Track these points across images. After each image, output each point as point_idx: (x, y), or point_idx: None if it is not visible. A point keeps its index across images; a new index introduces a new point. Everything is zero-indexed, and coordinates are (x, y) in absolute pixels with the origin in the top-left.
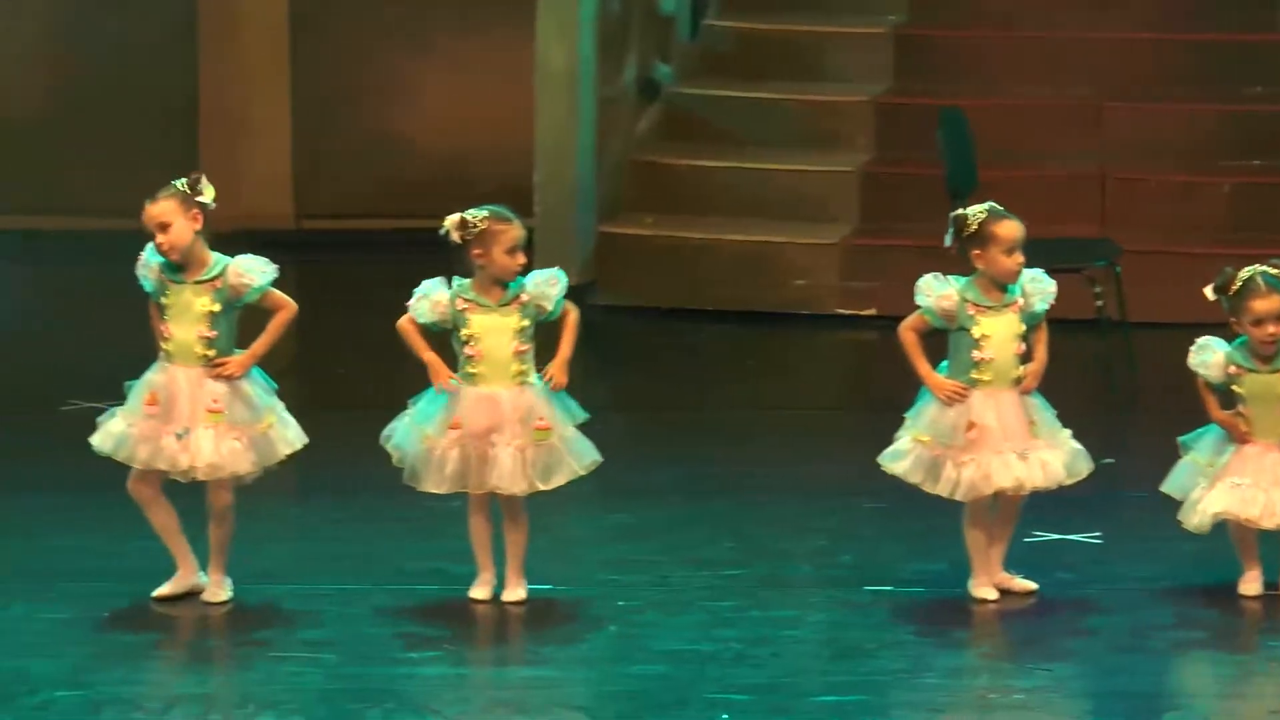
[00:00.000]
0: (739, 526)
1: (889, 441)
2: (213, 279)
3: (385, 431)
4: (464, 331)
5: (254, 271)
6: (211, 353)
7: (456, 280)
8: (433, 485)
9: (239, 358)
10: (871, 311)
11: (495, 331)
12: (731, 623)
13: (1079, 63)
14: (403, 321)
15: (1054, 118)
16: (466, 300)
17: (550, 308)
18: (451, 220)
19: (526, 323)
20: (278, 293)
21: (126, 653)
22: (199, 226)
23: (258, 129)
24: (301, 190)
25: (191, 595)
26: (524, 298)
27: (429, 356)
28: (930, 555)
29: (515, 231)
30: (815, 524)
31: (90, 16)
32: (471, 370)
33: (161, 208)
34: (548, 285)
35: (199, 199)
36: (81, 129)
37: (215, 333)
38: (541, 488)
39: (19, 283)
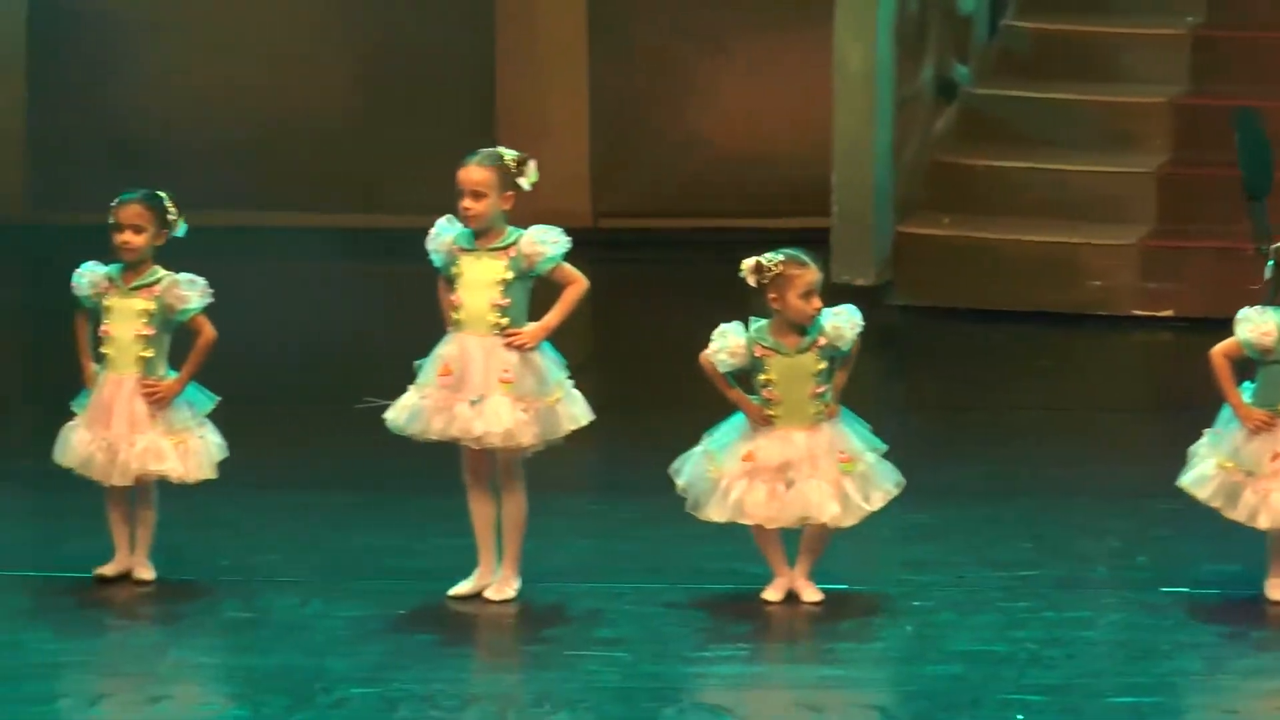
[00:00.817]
0: (1035, 527)
1: (1185, 443)
2: (506, 247)
3: (675, 464)
4: (762, 376)
5: (547, 242)
6: (504, 321)
7: (754, 323)
8: (715, 514)
9: (533, 328)
10: (1169, 313)
11: (793, 377)
12: (1026, 623)
13: None
14: (703, 359)
15: None
16: (765, 347)
17: (845, 348)
18: (747, 265)
19: (824, 365)
20: (570, 266)
21: (422, 651)
22: (508, 208)
23: (556, 129)
24: (599, 189)
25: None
26: (821, 341)
27: (735, 395)
28: (1226, 556)
29: (810, 275)
30: (1110, 525)
31: (391, 22)
32: (770, 411)
33: (483, 177)
34: (848, 328)
35: (519, 180)
36: (384, 131)
37: (508, 300)
38: (867, 510)
39: (324, 281)
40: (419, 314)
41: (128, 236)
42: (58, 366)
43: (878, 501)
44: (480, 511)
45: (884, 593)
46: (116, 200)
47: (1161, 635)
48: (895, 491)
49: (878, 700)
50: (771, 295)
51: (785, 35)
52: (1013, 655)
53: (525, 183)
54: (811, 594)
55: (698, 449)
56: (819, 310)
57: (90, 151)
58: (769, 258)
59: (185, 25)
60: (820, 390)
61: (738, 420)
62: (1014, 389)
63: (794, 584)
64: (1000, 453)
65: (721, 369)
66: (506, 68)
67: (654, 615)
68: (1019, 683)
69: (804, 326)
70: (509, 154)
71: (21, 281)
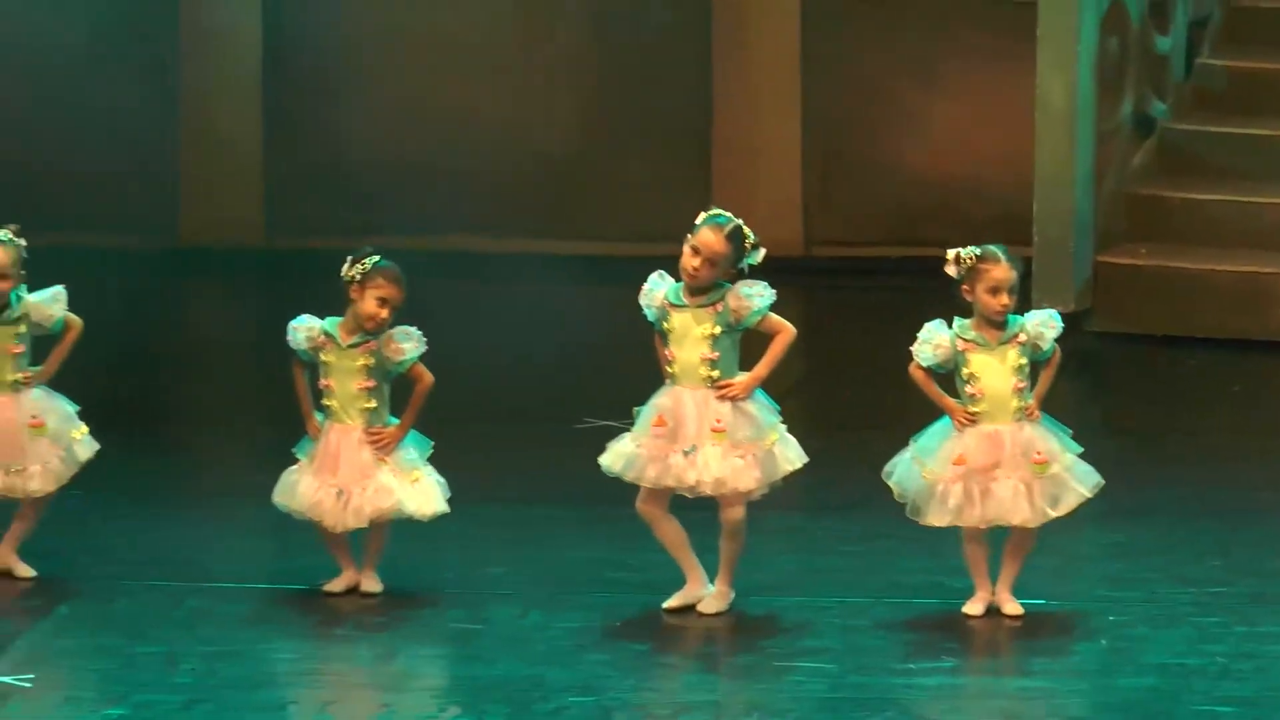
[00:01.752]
0: (1226, 546)
1: None
2: (714, 302)
3: (887, 467)
4: (965, 370)
5: (754, 295)
6: (715, 374)
7: (957, 320)
8: (935, 519)
9: (743, 380)
10: None
11: (994, 370)
12: (1218, 638)
13: None
14: (912, 369)
15: None
16: (966, 340)
17: (1045, 348)
18: (950, 254)
19: (1024, 361)
20: (776, 317)
21: (637, 661)
22: (725, 279)
23: (769, 159)
24: (811, 217)
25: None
26: (1022, 337)
27: (941, 398)
28: None
29: (1000, 273)
30: None
31: (614, 53)
32: (974, 409)
33: (722, 250)
34: (1046, 327)
35: (747, 259)
36: (604, 159)
37: (717, 354)
38: (1052, 515)
39: (545, 304)
40: (636, 339)
41: (385, 314)
42: (289, 387)
43: (1065, 507)
44: (668, 535)
45: (1081, 608)
46: (374, 264)
47: None
48: (1088, 495)
49: (1075, 711)
50: (965, 287)
51: (992, 67)
52: (1204, 668)
53: (746, 263)
54: (1012, 608)
55: (906, 453)
56: (1005, 307)
57: (324, 180)
58: (967, 250)
59: (415, 58)
60: (1021, 386)
61: (943, 424)
62: (1208, 413)
63: (995, 598)
64: (1193, 474)
65: (925, 363)
66: (723, 99)
67: (860, 628)
68: (1210, 695)
69: (999, 322)
70: (750, 235)
71: (258, 305)
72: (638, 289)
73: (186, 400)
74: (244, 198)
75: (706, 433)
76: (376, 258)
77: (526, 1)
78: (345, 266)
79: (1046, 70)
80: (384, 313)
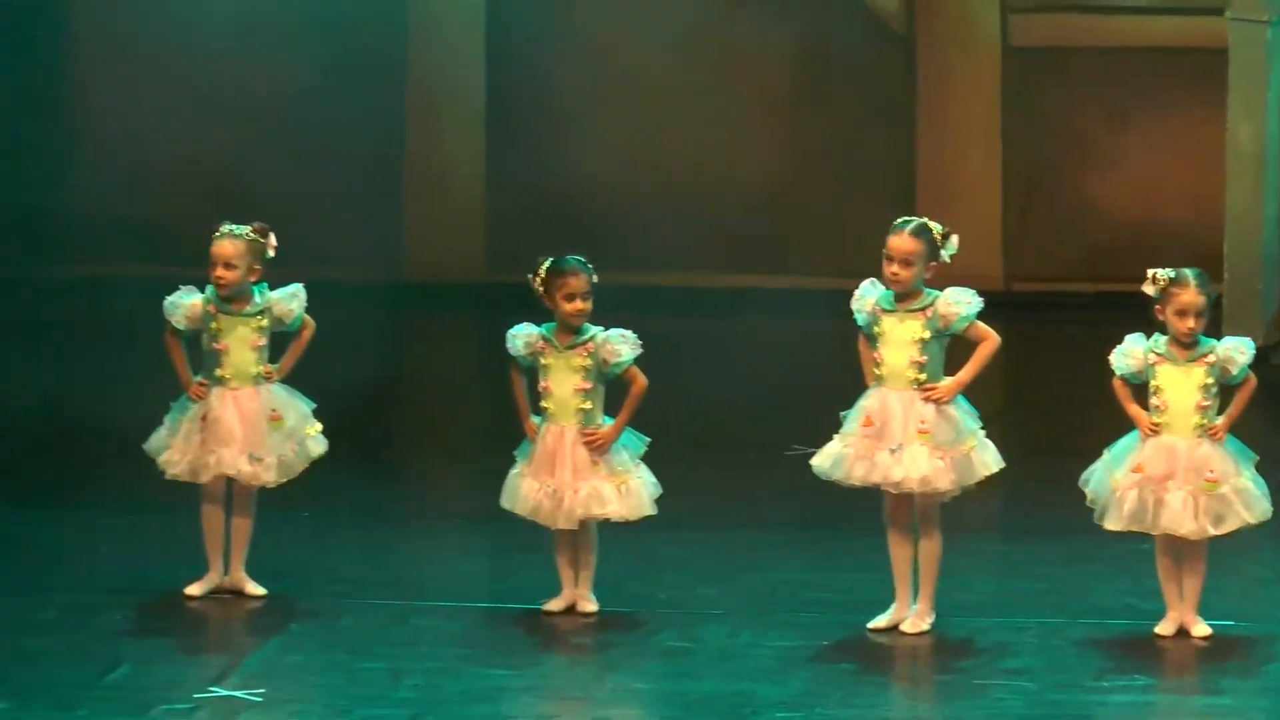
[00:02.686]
0: None
1: None
2: (924, 308)
3: (1084, 475)
4: (1153, 383)
5: (962, 303)
6: (922, 376)
7: (1156, 335)
8: (1111, 522)
9: (948, 383)
10: None
11: (1179, 385)
12: None
13: None
14: (1114, 380)
15: None
16: (1158, 354)
17: (1235, 372)
18: (1149, 273)
19: (1211, 380)
20: (982, 325)
21: (843, 678)
22: (929, 276)
23: (971, 197)
24: (1010, 254)
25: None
26: (1211, 358)
27: (1131, 408)
28: None
29: (1188, 297)
30: None
31: (817, 97)
32: (1157, 420)
33: (914, 247)
34: (1237, 352)
35: (941, 252)
36: (811, 199)
37: (925, 357)
38: (1213, 533)
39: (756, 336)
40: (838, 369)
41: (581, 304)
42: (509, 414)
43: (1225, 528)
44: (898, 551)
45: (1266, 630)
46: (548, 268)
47: None
48: (1251, 521)
49: None
50: (1158, 306)
51: (1183, 114)
52: None
53: (946, 255)
54: (1200, 629)
55: (1100, 461)
56: (1192, 330)
57: (542, 217)
58: (1163, 271)
59: (629, 102)
60: (1205, 405)
61: (1134, 434)
62: None
63: (1184, 620)
64: None
65: (1119, 371)
66: (926, 142)
67: (1056, 648)
68: None
69: (1185, 342)
70: (936, 227)
71: (479, 337)
72: (844, 322)
73: (410, 426)
74: (467, 235)
75: (912, 433)
76: (546, 262)
77: (734, 49)
78: (530, 285)
79: (1236, 116)
80: (579, 304)
